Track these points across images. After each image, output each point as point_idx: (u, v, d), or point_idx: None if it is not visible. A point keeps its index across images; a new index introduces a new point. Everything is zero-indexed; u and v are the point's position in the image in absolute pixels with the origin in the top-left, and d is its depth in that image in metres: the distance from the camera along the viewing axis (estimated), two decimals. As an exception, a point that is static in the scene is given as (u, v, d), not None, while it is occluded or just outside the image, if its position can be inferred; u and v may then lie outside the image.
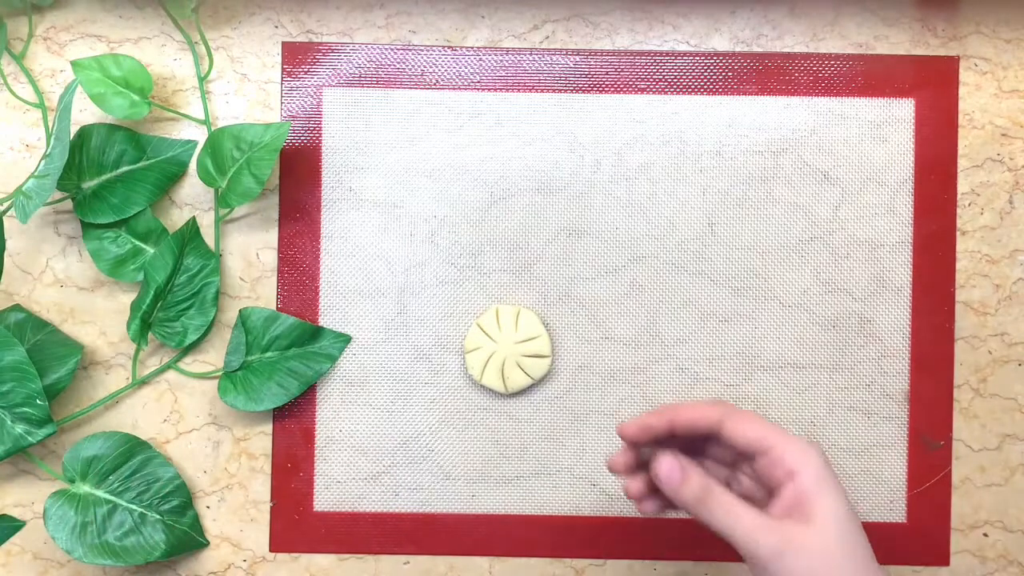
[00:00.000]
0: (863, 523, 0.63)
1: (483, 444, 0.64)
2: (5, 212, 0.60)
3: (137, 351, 0.63)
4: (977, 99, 0.64)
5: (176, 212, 0.64)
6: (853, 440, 0.64)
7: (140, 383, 0.64)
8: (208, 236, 0.64)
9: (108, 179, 0.63)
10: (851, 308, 0.64)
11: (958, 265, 0.64)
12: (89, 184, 0.62)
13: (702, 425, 0.51)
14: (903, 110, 0.64)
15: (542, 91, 0.64)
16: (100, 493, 0.61)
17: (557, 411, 0.64)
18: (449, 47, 0.64)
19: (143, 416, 0.64)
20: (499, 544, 0.64)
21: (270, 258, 0.64)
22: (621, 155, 0.64)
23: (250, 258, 0.64)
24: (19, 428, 0.59)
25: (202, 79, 0.64)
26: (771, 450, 0.49)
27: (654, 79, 0.64)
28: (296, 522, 0.64)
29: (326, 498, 0.64)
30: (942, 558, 0.64)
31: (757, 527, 0.48)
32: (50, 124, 0.63)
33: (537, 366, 0.63)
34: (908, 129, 0.64)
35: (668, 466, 0.51)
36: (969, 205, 0.64)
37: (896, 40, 0.64)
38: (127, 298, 0.64)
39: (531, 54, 0.64)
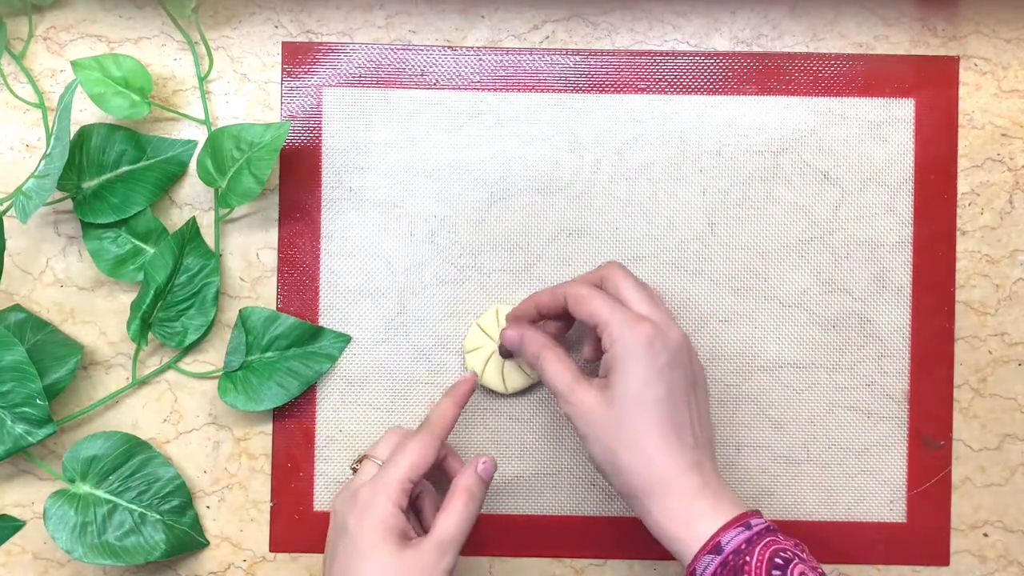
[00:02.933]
0: (862, 523, 0.64)
1: (483, 444, 0.64)
2: (5, 212, 0.60)
3: (137, 351, 0.63)
4: (977, 99, 0.64)
5: (176, 212, 0.64)
6: (853, 440, 0.64)
7: (140, 383, 0.64)
8: (208, 236, 0.64)
9: (108, 179, 0.63)
10: (851, 308, 0.64)
11: (958, 265, 0.64)
12: (89, 184, 0.62)
13: (556, 306, 0.58)
14: (903, 110, 0.64)
15: (542, 91, 0.64)
16: (100, 493, 0.61)
17: (557, 411, 0.64)
18: (449, 47, 0.64)
19: (143, 416, 0.64)
20: (499, 544, 0.64)
21: (270, 258, 0.64)
22: (621, 155, 0.64)
23: (250, 258, 0.64)
24: (19, 428, 0.59)
25: (202, 79, 0.64)
26: (599, 326, 0.55)
27: (654, 79, 0.64)
28: (296, 522, 0.64)
29: (326, 498, 0.64)
30: (942, 558, 0.64)
31: (565, 386, 0.56)
32: (50, 124, 0.63)
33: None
34: (908, 129, 0.64)
35: (508, 334, 0.60)
36: (969, 205, 0.64)
37: (896, 40, 0.65)
38: (127, 298, 0.64)
39: (531, 54, 0.64)
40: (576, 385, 0.55)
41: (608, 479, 0.55)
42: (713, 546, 0.51)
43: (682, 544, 0.52)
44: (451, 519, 0.55)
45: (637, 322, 0.54)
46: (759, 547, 0.51)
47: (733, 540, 0.51)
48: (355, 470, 0.58)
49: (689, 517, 0.53)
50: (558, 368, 0.57)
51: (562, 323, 0.61)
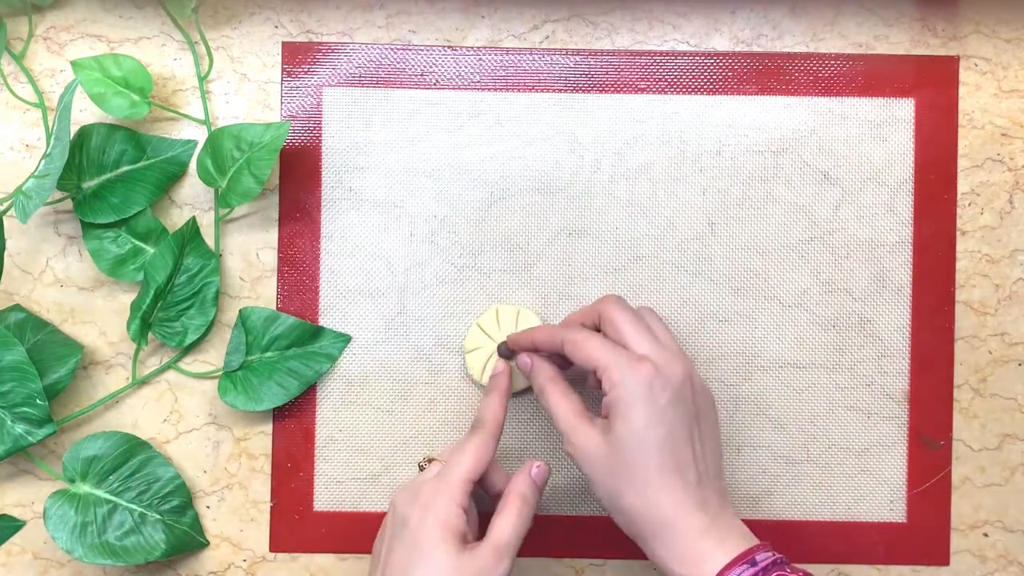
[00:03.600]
0: (862, 523, 0.64)
1: (483, 444, 0.64)
2: (5, 212, 0.60)
3: (137, 351, 0.63)
4: (977, 99, 0.64)
5: (176, 212, 0.64)
6: (853, 440, 0.64)
7: (140, 383, 0.64)
8: (208, 236, 0.64)
9: (108, 179, 0.63)
10: (851, 308, 0.64)
11: (958, 265, 0.64)
12: (89, 184, 0.62)
13: (553, 349, 0.58)
14: (903, 110, 0.64)
15: (542, 91, 0.64)
16: (100, 493, 0.61)
17: (557, 411, 0.64)
18: (449, 47, 0.64)
19: (143, 416, 0.64)
20: (499, 544, 0.64)
21: (270, 258, 0.64)
22: (621, 155, 0.64)
23: (250, 258, 0.64)
24: (19, 428, 0.59)
25: (202, 79, 0.64)
26: (598, 370, 0.55)
27: (654, 79, 0.64)
28: (296, 522, 0.64)
29: (326, 498, 0.64)
30: (942, 558, 0.64)
31: (568, 426, 0.56)
32: (50, 124, 0.63)
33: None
34: (908, 129, 0.64)
35: (522, 360, 0.60)
36: (969, 205, 0.64)
37: (896, 40, 0.65)
38: (127, 298, 0.64)
39: (531, 54, 0.64)
40: (579, 425, 0.55)
41: (614, 519, 0.55)
42: None
43: None
44: (507, 523, 0.55)
45: (636, 364, 0.54)
46: None
47: None
48: (422, 468, 0.58)
49: (695, 558, 0.52)
50: (563, 405, 0.56)
51: (563, 359, 0.60)
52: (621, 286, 0.64)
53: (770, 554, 0.52)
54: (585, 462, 0.55)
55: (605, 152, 0.64)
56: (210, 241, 0.64)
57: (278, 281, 0.64)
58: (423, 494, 0.55)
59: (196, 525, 0.63)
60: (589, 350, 0.55)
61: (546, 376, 0.58)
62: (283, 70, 0.64)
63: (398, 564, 0.54)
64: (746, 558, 0.52)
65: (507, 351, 0.62)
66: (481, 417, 0.58)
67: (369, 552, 0.60)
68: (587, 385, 0.62)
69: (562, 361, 0.59)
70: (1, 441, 0.59)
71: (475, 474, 0.56)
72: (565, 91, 0.64)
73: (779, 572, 0.52)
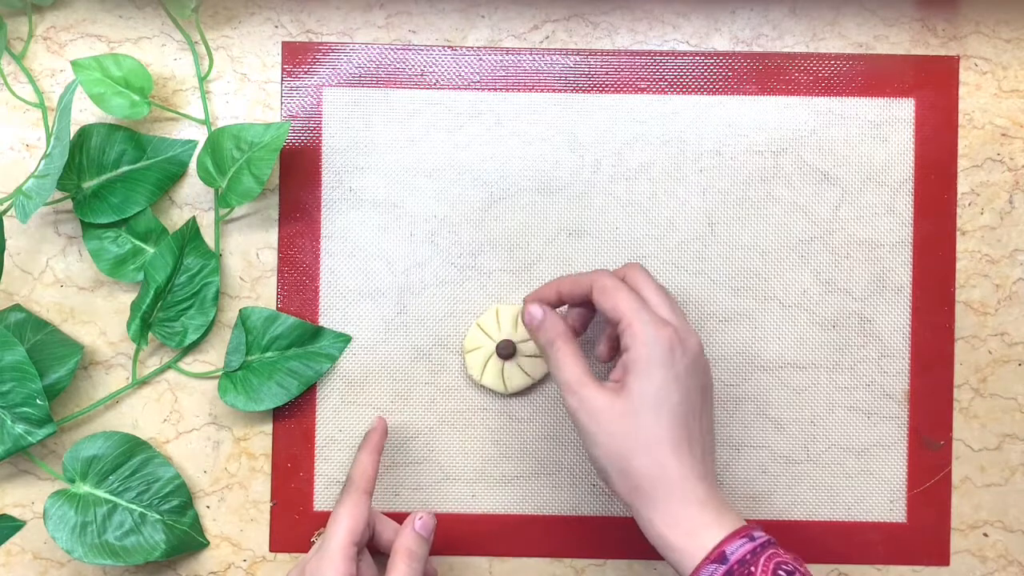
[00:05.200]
0: (862, 523, 0.64)
1: (483, 444, 0.64)
2: (5, 212, 0.60)
3: (137, 351, 0.63)
4: (977, 99, 0.64)
5: (176, 212, 0.64)
6: (853, 440, 0.64)
7: (140, 383, 0.64)
8: (208, 236, 0.64)
9: (108, 179, 0.63)
10: (851, 308, 0.64)
11: (958, 265, 0.64)
12: (89, 184, 0.62)
13: (579, 294, 0.57)
14: (903, 110, 0.64)
15: (542, 91, 0.64)
16: (100, 493, 0.61)
17: (557, 411, 0.64)
18: (449, 47, 0.64)
19: (143, 416, 0.64)
20: (499, 544, 0.64)
21: (270, 258, 0.64)
22: (621, 155, 0.64)
23: (250, 258, 0.64)
24: (19, 428, 0.59)
25: (202, 79, 0.64)
26: (622, 322, 0.54)
27: (654, 79, 0.64)
28: (296, 522, 0.64)
29: (326, 498, 0.64)
30: (942, 558, 0.64)
31: (575, 380, 0.54)
32: (50, 124, 0.63)
33: (537, 366, 0.63)
34: (908, 129, 0.64)
35: (530, 312, 0.57)
36: (969, 205, 0.64)
37: (896, 40, 0.65)
38: (127, 298, 0.64)
39: (531, 54, 0.64)
40: (589, 382, 0.54)
41: (608, 480, 0.54)
42: (718, 555, 0.51)
43: (683, 554, 0.52)
44: None
45: (660, 325, 0.54)
46: (763, 558, 0.51)
47: (738, 550, 0.51)
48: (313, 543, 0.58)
49: (693, 527, 0.52)
50: (571, 360, 0.55)
51: (582, 317, 0.60)
52: (621, 286, 0.64)
53: (764, 534, 0.53)
54: (590, 419, 0.54)
55: (605, 152, 0.64)
56: (210, 241, 0.64)
57: (278, 281, 0.64)
58: (307, 572, 0.55)
59: (196, 525, 0.63)
60: (617, 299, 0.54)
61: (558, 331, 0.56)
62: (283, 70, 0.64)
63: None
64: (744, 533, 0.52)
65: (507, 351, 0.62)
66: (351, 476, 0.58)
67: (371, 550, 0.60)
68: (593, 355, 0.61)
69: (576, 321, 0.59)
70: (1, 441, 0.59)
71: (354, 536, 0.55)
72: (565, 91, 0.64)
73: (773, 550, 0.52)
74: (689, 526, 0.52)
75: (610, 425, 0.53)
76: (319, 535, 0.58)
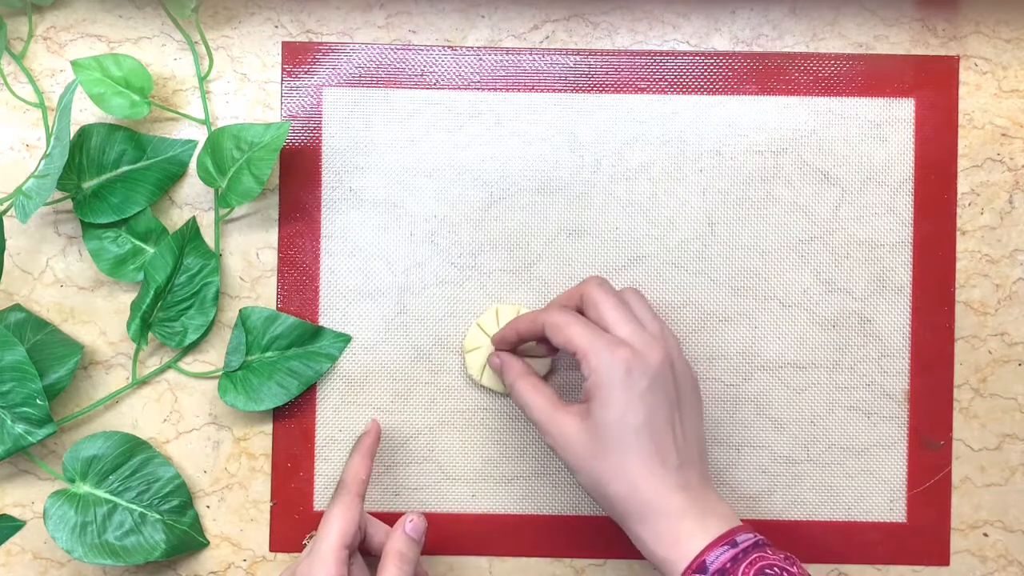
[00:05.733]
0: (862, 523, 0.64)
1: (483, 444, 0.64)
2: (5, 212, 0.60)
3: (137, 351, 0.63)
4: (977, 99, 0.64)
5: (176, 212, 0.64)
6: (853, 440, 0.64)
7: (140, 383, 0.64)
8: (208, 236, 0.64)
9: (108, 179, 0.63)
10: (851, 308, 0.64)
11: (958, 265, 0.64)
12: (89, 184, 0.62)
13: (535, 334, 0.58)
14: (903, 110, 0.64)
15: (542, 91, 0.64)
16: (100, 493, 0.61)
17: (557, 411, 0.64)
18: (449, 47, 0.64)
19: (143, 416, 0.64)
20: (499, 544, 0.64)
21: (270, 258, 0.64)
22: (621, 155, 0.64)
23: (250, 258, 0.64)
24: (19, 428, 0.59)
25: (202, 79, 0.64)
26: (577, 354, 0.55)
27: (654, 79, 0.64)
28: (296, 522, 0.64)
29: (326, 498, 0.64)
30: (942, 558, 0.64)
31: (544, 417, 0.56)
32: (50, 124, 0.63)
33: (537, 366, 0.63)
34: (908, 129, 0.64)
35: (492, 361, 0.61)
36: (969, 205, 0.64)
37: (896, 40, 0.65)
38: (127, 298, 0.64)
39: (531, 54, 0.64)
40: (555, 414, 0.55)
41: (598, 503, 0.56)
42: (698, 565, 0.51)
43: (671, 565, 0.52)
44: None
45: (615, 348, 0.54)
46: (744, 564, 0.51)
47: (718, 559, 0.51)
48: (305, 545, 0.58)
49: (676, 539, 0.52)
50: (536, 397, 0.57)
51: (549, 344, 0.60)
52: (621, 286, 0.64)
53: (751, 535, 0.53)
54: (565, 450, 0.55)
55: (605, 152, 0.64)
56: (210, 241, 0.64)
57: (278, 281, 0.64)
58: (299, 574, 0.55)
59: (196, 525, 0.63)
60: (569, 334, 0.55)
61: (516, 372, 0.59)
62: (283, 70, 0.64)
63: None
64: (726, 539, 0.52)
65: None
66: (343, 479, 0.58)
67: (362, 553, 0.60)
68: (580, 371, 0.62)
69: (546, 347, 0.60)
70: (1, 441, 0.59)
71: (345, 539, 0.55)
72: (565, 91, 0.64)
73: (759, 553, 0.52)
74: (671, 537, 0.53)
75: (582, 455, 0.54)
76: (310, 538, 0.58)
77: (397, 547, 0.56)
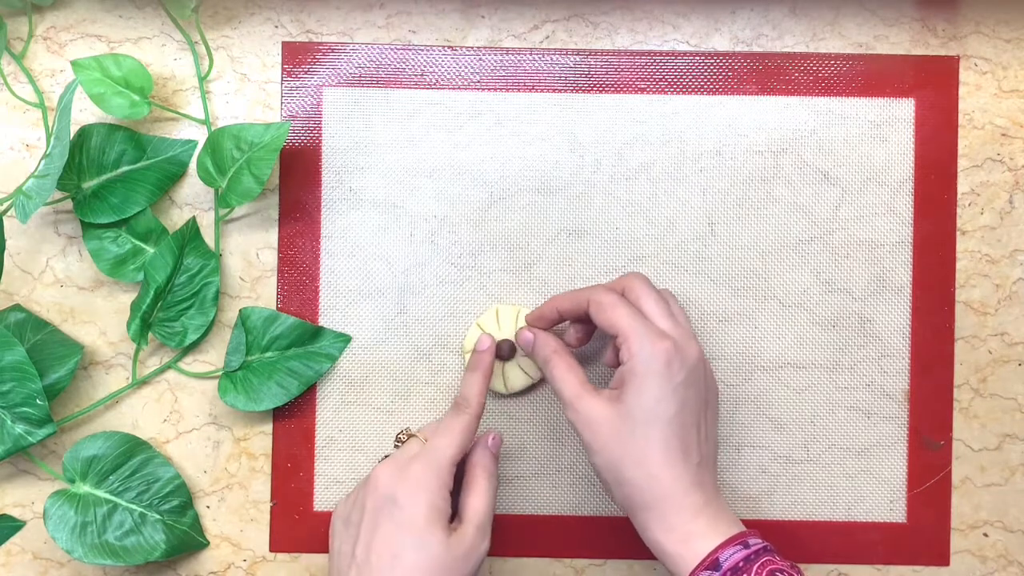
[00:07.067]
0: (862, 523, 0.64)
1: (483, 444, 0.64)
2: (5, 212, 0.60)
3: (137, 351, 0.63)
4: (977, 99, 0.64)
5: (176, 212, 0.64)
6: (853, 440, 0.64)
7: (140, 383, 0.64)
8: (208, 236, 0.64)
9: (108, 179, 0.63)
10: (851, 308, 0.64)
11: (958, 265, 0.64)
12: (89, 184, 0.62)
13: (577, 310, 0.58)
14: (903, 110, 0.64)
15: (542, 91, 0.64)
16: (100, 493, 0.61)
17: (557, 411, 0.64)
18: (449, 47, 0.64)
19: (143, 416, 0.64)
20: (499, 544, 0.64)
21: (270, 258, 0.64)
22: (621, 155, 0.64)
23: (250, 258, 0.64)
24: (19, 428, 0.59)
25: (202, 79, 0.64)
26: (619, 336, 0.55)
27: (654, 79, 0.64)
28: (296, 522, 0.64)
29: (326, 498, 0.64)
30: (942, 558, 0.64)
31: (573, 395, 0.56)
32: (50, 124, 0.63)
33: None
34: (908, 129, 0.64)
35: (524, 337, 0.60)
36: (969, 205, 0.64)
37: (896, 40, 0.65)
38: (127, 298, 0.64)
39: (531, 54, 0.64)
40: (584, 393, 0.56)
41: (609, 490, 0.56)
42: (711, 562, 0.52)
43: (679, 560, 0.53)
44: (480, 500, 0.56)
45: (658, 338, 0.54)
46: (756, 566, 0.51)
47: (731, 557, 0.52)
48: (399, 444, 0.58)
49: (687, 534, 0.53)
50: (566, 375, 0.57)
51: (584, 330, 0.61)
52: (621, 286, 0.64)
53: (760, 541, 0.53)
54: (588, 429, 0.55)
55: (605, 152, 0.64)
56: (210, 241, 0.64)
57: (278, 281, 0.64)
58: (412, 473, 0.55)
59: (196, 525, 0.63)
60: (614, 316, 0.55)
61: (551, 348, 0.58)
62: (283, 70, 0.64)
63: (385, 543, 0.54)
64: (739, 540, 0.52)
65: (507, 351, 0.62)
66: (465, 396, 0.59)
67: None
68: (601, 362, 0.63)
69: (579, 335, 0.61)
70: (1, 441, 0.59)
71: (461, 454, 0.57)
72: (565, 91, 0.64)
73: (768, 557, 0.52)
74: (683, 533, 0.53)
75: (606, 437, 0.54)
76: (408, 436, 0.58)
77: (484, 463, 0.58)
